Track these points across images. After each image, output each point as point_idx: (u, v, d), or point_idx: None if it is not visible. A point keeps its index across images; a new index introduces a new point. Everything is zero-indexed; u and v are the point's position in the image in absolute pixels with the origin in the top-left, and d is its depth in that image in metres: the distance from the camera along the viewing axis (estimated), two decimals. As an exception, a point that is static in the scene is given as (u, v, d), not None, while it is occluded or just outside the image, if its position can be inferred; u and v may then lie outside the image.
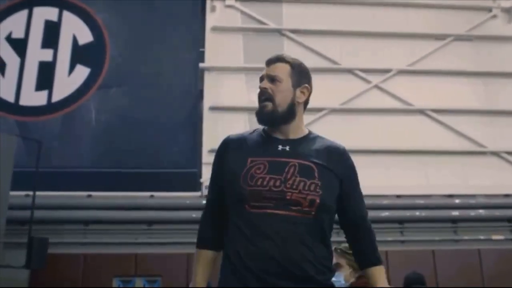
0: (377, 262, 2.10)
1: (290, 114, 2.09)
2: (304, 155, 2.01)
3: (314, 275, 1.90)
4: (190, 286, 2.02)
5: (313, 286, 1.89)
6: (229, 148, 2.09)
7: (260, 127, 2.15)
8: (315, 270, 1.91)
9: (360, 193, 2.17)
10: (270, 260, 1.86)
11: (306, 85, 2.14)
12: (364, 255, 2.11)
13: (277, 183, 1.93)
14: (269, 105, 2.07)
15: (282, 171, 1.96)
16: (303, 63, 2.19)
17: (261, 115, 2.09)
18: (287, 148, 2.04)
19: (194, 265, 2.05)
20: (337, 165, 2.07)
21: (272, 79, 2.10)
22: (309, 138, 2.13)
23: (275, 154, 2.01)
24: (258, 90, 2.13)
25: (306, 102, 2.19)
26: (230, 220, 2.00)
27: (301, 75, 2.13)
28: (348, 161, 2.15)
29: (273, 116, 2.07)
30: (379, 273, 2.07)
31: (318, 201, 1.93)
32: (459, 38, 10.19)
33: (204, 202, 2.25)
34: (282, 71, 2.10)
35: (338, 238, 8.40)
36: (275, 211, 1.90)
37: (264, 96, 2.09)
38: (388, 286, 2.01)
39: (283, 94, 2.08)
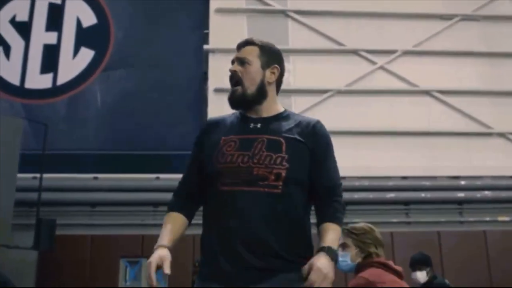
0: (332, 219, 2.04)
1: (260, 94, 2.10)
2: (274, 131, 2.03)
3: (278, 251, 1.89)
4: (155, 247, 2.00)
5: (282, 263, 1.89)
6: (207, 131, 2.13)
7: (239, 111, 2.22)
8: (282, 248, 1.91)
9: (334, 166, 2.18)
10: (238, 239, 1.87)
11: (276, 65, 2.17)
12: (323, 213, 2.08)
13: (245, 159, 1.94)
14: (239, 89, 2.09)
15: (250, 147, 1.97)
16: (273, 45, 2.26)
17: (232, 99, 2.13)
18: (258, 125, 2.06)
19: (162, 228, 2.06)
20: (308, 136, 2.06)
21: (242, 62, 2.12)
22: (283, 115, 2.13)
23: (246, 132, 2.04)
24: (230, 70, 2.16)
25: (278, 82, 2.20)
26: (206, 201, 2.05)
27: (271, 56, 2.17)
28: (320, 131, 2.13)
29: (243, 99, 2.09)
30: (327, 228, 2.00)
31: (283, 174, 1.93)
32: (466, 18, 10.08)
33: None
34: (251, 53, 2.14)
35: (344, 219, 8.38)
36: (243, 187, 1.91)
37: (234, 79, 2.12)
38: (333, 245, 1.93)
39: (252, 75, 2.10)
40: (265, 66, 2.14)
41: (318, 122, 2.17)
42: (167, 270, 1.89)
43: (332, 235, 1.99)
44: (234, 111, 2.15)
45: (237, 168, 1.93)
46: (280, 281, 1.86)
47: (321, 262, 1.83)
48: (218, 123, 2.14)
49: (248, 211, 1.88)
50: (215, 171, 1.96)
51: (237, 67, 2.12)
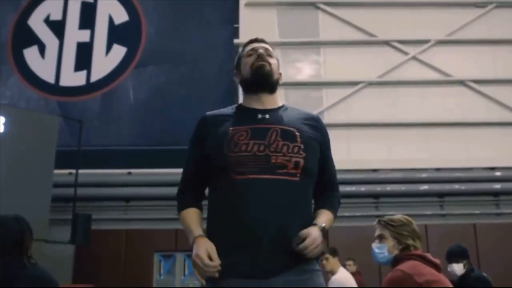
0: (330, 208, 2.08)
1: (276, 85, 2.16)
2: (284, 122, 2.03)
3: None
4: (192, 239, 1.94)
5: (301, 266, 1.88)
6: (209, 123, 2.08)
7: (234, 105, 2.22)
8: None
9: (334, 163, 2.19)
10: (261, 229, 1.83)
11: (280, 71, 2.22)
12: (322, 202, 2.11)
13: (261, 148, 1.91)
14: (268, 66, 2.11)
15: (265, 136, 1.95)
16: None
17: (261, 72, 2.09)
18: (267, 116, 2.05)
19: (185, 224, 2.03)
20: (316, 129, 2.07)
21: (268, 53, 2.15)
22: (285, 108, 2.15)
23: (256, 122, 2.02)
24: (250, 57, 2.13)
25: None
26: (214, 192, 2.01)
27: (278, 61, 2.22)
28: (324, 127, 2.15)
29: (269, 77, 2.12)
30: (324, 212, 2.04)
31: (302, 163, 1.92)
32: (500, 4, 9.84)
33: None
34: (272, 50, 2.20)
35: (377, 212, 8.31)
36: (261, 176, 1.88)
37: (264, 59, 2.11)
38: (327, 225, 1.97)
39: (275, 66, 2.15)
40: (278, 65, 2.21)
41: (320, 117, 2.22)
42: (217, 261, 1.81)
43: (326, 217, 2.02)
44: (227, 105, 2.19)
45: (253, 157, 1.90)
46: (302, 276, 1.86)
47: (316, 233, 1.87)
48: (217, 117, 2.10)
49: (269, 200, 1.86)
50: (228, 160, 1.90)
51: (265, 52, 2.15)
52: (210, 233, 1.94)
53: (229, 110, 2.14)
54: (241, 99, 2.26)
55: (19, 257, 2.53)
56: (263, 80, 2.10)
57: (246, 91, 2.16)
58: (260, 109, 2.08)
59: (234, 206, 1.87)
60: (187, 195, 2.09)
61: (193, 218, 2.03)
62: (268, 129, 1.98)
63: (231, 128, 1.98)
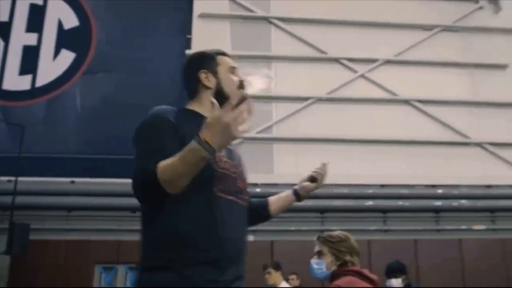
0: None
1: None
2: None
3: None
4: (194, 144, 1.56)
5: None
6: (184, 120, 1.89)
7: (170, 107, 1.99)
8: None
9: None
10: (232, 248, 1.83)
11: None
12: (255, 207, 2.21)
13: (232, 169, 1.91)
14: None
15: (232, 157, 1.96)
16: None
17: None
18: None
19: (171, 161, 1.63)
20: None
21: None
22: None
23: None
24: (239, 82, 2.09)
25: None
26: (189, 198, 1.78)
27: None
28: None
29: None
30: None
31: (247, 189, 1.98)
32: (446, 29, 10.23)
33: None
34: None
35: (323, 226, 8.39)
36: (234, 198, 1.88)
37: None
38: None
39: None
40: None
41: None
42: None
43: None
44: (170, 107, 2.04)
45: (231, 177, 1.88)
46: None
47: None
48: (183, 117, 1.91)
49: (239, 223, 1.88)
50: (215, 175, 1.82)
51: None
52: (174, 244, 1.74)
53: (186, 115, 1.96)
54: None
55: None
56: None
57: (220, 103, 2.02)
58: None
59: (213, 222, 1.79)
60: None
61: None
62: (232, 150, 1.98)
63: None
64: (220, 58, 2.11)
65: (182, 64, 2.17)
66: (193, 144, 1.56)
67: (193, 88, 2.07)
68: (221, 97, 1.95)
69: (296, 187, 2.41)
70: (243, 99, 1.54)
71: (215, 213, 1.79)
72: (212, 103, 1.56)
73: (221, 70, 2.08)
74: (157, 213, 1.77)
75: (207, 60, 2.09)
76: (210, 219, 1.79)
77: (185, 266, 1.72)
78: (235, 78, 2.08)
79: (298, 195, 2.43)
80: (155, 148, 1.76)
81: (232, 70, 2.11)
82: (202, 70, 2.05)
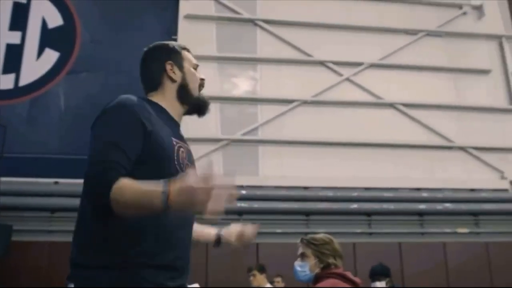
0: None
1: None
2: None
3: None
4: (157, 192, 1.47)
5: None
6: (150, 115, 1.80)
7: (135, 96, 1.91)
8: None
9: None
10: (184, 248, 1.82)
11: None
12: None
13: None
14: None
15: (189, 158, 1.93)
16: None
17: (207, 104, 2.09)
18: (180, 131, 1.98)
19: (132, 187, 1.54)
20: None
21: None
22: None
23: (180, 137, 1.92)
24: (200, 80, 2.09)
25: None
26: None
27: None
28: None
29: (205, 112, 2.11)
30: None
31: None
32: (430, 33, 10.32)
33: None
34: None
35: (308, 229, 8.39)
36: None
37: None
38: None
39: None
40: None
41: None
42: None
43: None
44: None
45: None
46: None
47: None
48: (149, 111, 1.82)
49: (188, 226, 1.87)
50: (178, 177, 1.75)
51: None
52: (125, 242, 1.67)
53: (152, 107, 1.87)
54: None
55: None
56: (203, 111, 2.06)
57: (177, 96, 1.99)
58: (177, 123, 1.99)
59: (167, 223, 1.73)
60: (121, 170, 1.63)
61: (139, 183, 1.56)
62: (189, 150, 1.94)
63: (173, 139, 1.85)
64: (185, 53, 2.09)
65: (145, 52, 2.10)
66: (158, 190, 1.46)
67: (156, 78, 2.01)
68: (184, 92, 1.99)
69: (221, 232, 2.28)
70: (230, 182, 1.44)
71: (168, 214, 1.66)
72: (210, 164, 1.43)
73: (186, 65, 2.05)
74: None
75: (174, 52, 2.06)
76: (162, 220, 1.71)
77: (135, 266, 1.66)
78: (198, 76, 2.07)
79: (219, 242, 2.28)
80: (118, 146, 1.68)
81: (195, 67, 2.09)
82: (169, 62, 2.01)
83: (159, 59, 2.03)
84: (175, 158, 1.81)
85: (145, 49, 2.10)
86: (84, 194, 1.74)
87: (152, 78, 2.02)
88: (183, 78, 2.02)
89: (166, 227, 1.74)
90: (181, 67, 2.04)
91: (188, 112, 2.05)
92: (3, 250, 7.01)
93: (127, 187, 1.53)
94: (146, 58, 2.07)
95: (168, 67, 2.01)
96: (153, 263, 1.69)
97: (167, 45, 2.09)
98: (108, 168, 1.62)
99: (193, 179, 1.40)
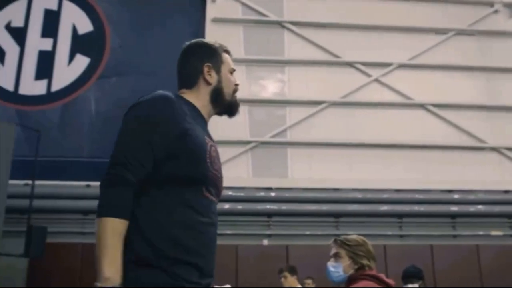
0: None
1: None
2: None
3: None
4: (105, 273, 1.58)
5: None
6: (186, 115, 1.82)
7: (170, 92, 1.93)
8: None
9: None
10: (212, 250, 1.82)
11: None
12: None
13: (220, 172, 1.91)
14: None
15: (217, 157, 1.93)
16: None
17: (238, 107, 2.11)
18: (209, 132, 1.99)
19: (108, 237, 1.61)
20: None
21: None
22: None
23: (210, 137, 1.93)
24: (235, 86, 2.10)
25: None
26: (174, 198, 1.74)
27: None
28: None
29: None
30: None
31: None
32: (461, 32, 10.15)
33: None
34: None
35: (337, 231, 8.33)
36: (215, 199, 1.88)
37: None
38: None
39: None
40: None
41: None
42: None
43: None
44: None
45: (218, 180, 1.88)
46: None
47: None
48: (184, 110, 1.85)
49: (214, 224, 1.85)
50: (208, 176, 1.80)
51: None
52: (173, 238, 1.70)
53: (185, 105, 1.90)
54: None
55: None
56: (233, 114, 2.09)
57: (210, 99, 1.99)
58: (207, 122, 2.01)
59: (198, 221, 1.76)
60: (130, 188, 1.67)
61: (119, 240, 1.64)
62: (216, 151, 1.94)
63: (206, 139, 1.87)
64: (225, 56, 2.09)
65: (186, 47, 2.09)
66: (99, 274, 1.58)
67: (192, 78, 2.01)
68: (218, 95, 2.00)
69: None
70: None
71: (197, 211, 1.75)
72: None
73: (224, 69, 2.06)
74: (145, 202, 1.71)
75: (213, 54, 2.05)
76: (195, 218, 1.75)
77: (171, 264, 1.67)
78: (233, 81, 2.07)
79: None
80: (145, 143, 1.73)
81: (232, 71, 2.10)
82: (207, 64, 2.01)
83: (199, 59, 2.03)
84: (207, 156, 1.83)
85: (188, 43, 2.10)
86: None
87: (188, 77, 2.02)
88: (219, 81, 2.02)
89: (201, 228, 1.77)
90: (218, 71, 2.03)
91: (219, 113, 2.07)
92: (39, 251, 7.13)
93: (108, 228, 1.63)
94: (186, 55, 2.07)
95: (205, 69, 2.00)
96: (187, 261, 1.71)
97: (209, 45, 2.08)
98: (125, 172, 1.69)
99: None
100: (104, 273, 1.58)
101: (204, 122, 1.96)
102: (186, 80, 2.02)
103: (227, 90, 2.03)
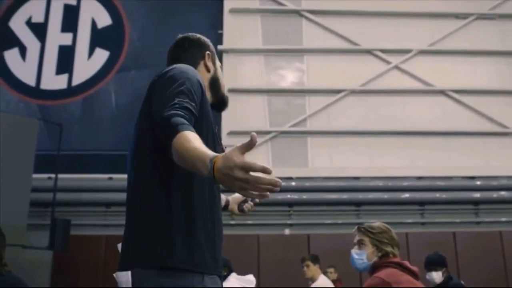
0: None
1: None
2: None
3: None
4: (206, 160, 1.44)
5: None
6: (205, 96, 1.89)
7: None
8: None
9: None
10: (220, 232, 1.88)
11: None
12: None
13: None
14: None
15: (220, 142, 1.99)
16: None
17: (226, 106, 2.17)
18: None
19: (192, 142, 1.51)
20: None
21: None
22: None
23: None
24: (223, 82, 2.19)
25: None
26: (194, 181, 1.76)
27: None
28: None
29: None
30: None
31: None
32: (481, 16, 9.98)
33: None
34: None
35: (359, 220, 8.33)
36: (220, 193, 1.96)
37: None
38: None
39: None
40: None
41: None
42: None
43: None
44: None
45: None
46: None
47: None
48: (205, 94, 1.89)
49: (220, 216, 1.91)
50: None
51: None
52: (189, 219, 1.73)
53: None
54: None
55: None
56: (223, 109, 2.15)
57: (210, 86, 2.06)
58: None
59: (209, 205, 1.81)
60: (190, 119, 1.64)
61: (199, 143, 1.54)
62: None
63: (216, 127, 1.95)
64: (216, 56, 2.19)
65: (181, 37, 2.18)
66: (207, 155, 1.44)
67: (194, 62, 2.06)
68: (216, 85, 2.08)
69: (229, 198, 2.36)
70: (268, 172, 1.38)
71: (208, 195, 1.80)
72: (252, 137, 1.38)
73: (217, 63, 2.16)
74: (163, 192, 1.73)
75: (210, 46, 2.16)
76: (204, 200, 1.78)
77: (193, 251, 1.70)
78: (221, 77, 2.17)
79: (226, 207, 2.35)
80: (191, 95, 1.72)
81: (221, 69, 2.21)
82: (207, 52, 2.11)
83: (199, 47, 2.12)
84: (219, 144, 1.91)
85: (183, 35, 2.19)
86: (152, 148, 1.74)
87: (190, 60, 2.05)
88: (215, 72, 2.11)
89: (215, 218, 1.82)
90: (214, 63, 2.13)
91: (212, 105, 2.07)
92: (63, 244, 7.27)
93: (189, 139, 1.52)
94: (186, 41, 2.15)
95: (207, 56, 2.10)
96: (206, 250, 1.75)
97: (205, 39, 2.19)
98: (182, 112, 1.63)
99: (239, 158, 1.37)
100: (206, 161, 1.43)
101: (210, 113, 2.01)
102: (189, 63, 2.00)
103: (222, 82, 2.12)
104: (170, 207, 1.72)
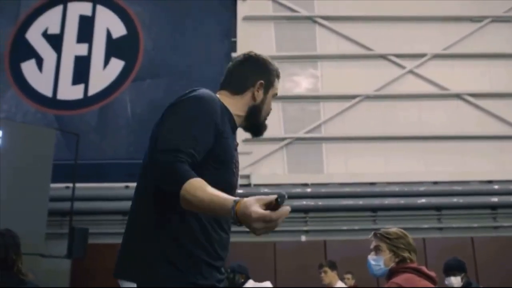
0: None
1: None
2: None
3: None
4: (228, 204, 1.51)
5: None
6: (224, 122, 1.87)
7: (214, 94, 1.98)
8: None
9: None
10: (226, 251, 1.90)
11: None
12: None
13: (237, 184, 1.96)
14: None
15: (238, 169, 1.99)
16: None
17: (263, 133, 2.18)
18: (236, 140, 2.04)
19: (205, 190, 1.55)
20: None
21: None
22: None
23: (235, 150, 1.98)
24: (270, 111, 2.16)
25: None
26: None
27: None
28: None
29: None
30: None
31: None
32: (496, 19, 9.91)
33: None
34: None
35: (375, 225, 8.30)
36: None
37: None
38: None
39: None
40: None
41: None
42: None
43: None
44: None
45: (234, 190, 1.92)
46: None
47: None
48: (224, 116, 1.88)
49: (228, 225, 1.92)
50: (230, 186, 1.86)
51: None
52: (180, 243, 1.76)
53: (224, 113, 1.90)
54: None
55: (4, 273, 2.47)
56: (258, 135, 2.16)
57: (247, 113, 2.03)
58: (236, 132, 2.05)
59: (217, 224, 1.84)
60: (190, 164, 1.65)
61: (212, 189, 1.58)
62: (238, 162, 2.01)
63: (234, 151, 1.94)
64: (276, 81, 2.11)
65: (248, 55, 2.10)
66: (228, 203, 1.49)
67: (242, 86, 2.03)
68: (255, 113, 2.04)
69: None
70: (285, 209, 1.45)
71: (221, 219, 1.82)
72: (276, 199, 1.43)
73: (270, 93, 2.09)
74: (170, 204, 1.70)
75: (270, 74, 2.08)
76: (216, 223, 1.83)
77: (197, 263, 1.76)
78: (271, 107, 2.13)
79: None
80: (196, 136, 1.71)
81: (274, 96, 2.14)
82: (261, 81, 2.04)
83: (256, 72, 2.05)
84: (234, 169, 1.91)
85: (250, 52, 2.11)
86: (149, 182, 1.80)
87: (239, 82, 2.04)
88: (262, 102, 2.06)
89: (221, 230, 1.85)
90: (266, 92, 2.07)
91: (244, 128, 2.11)
92: (81, 252, 7.32)
93: (200, 187, 1.55)
94: (246, 61, 2.08)
95: (258, 86, 2.03)
96: (210, 262, 1.79)
97: (270, 64, 2.10)
98: (184, 158, 1.64)
99: (257, 212, 1.42)
100: (238, 218, 1.48)
101: (235, 132, 2.00)
102: (235, 85, 2.03)
103: (264, 113, 2.09)
104: (167, 219, 1.78)
